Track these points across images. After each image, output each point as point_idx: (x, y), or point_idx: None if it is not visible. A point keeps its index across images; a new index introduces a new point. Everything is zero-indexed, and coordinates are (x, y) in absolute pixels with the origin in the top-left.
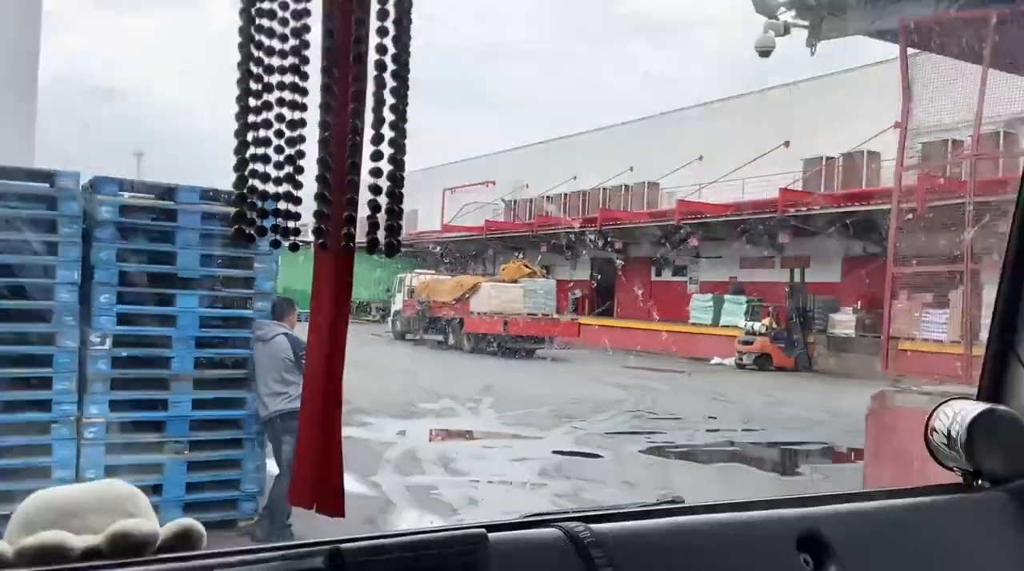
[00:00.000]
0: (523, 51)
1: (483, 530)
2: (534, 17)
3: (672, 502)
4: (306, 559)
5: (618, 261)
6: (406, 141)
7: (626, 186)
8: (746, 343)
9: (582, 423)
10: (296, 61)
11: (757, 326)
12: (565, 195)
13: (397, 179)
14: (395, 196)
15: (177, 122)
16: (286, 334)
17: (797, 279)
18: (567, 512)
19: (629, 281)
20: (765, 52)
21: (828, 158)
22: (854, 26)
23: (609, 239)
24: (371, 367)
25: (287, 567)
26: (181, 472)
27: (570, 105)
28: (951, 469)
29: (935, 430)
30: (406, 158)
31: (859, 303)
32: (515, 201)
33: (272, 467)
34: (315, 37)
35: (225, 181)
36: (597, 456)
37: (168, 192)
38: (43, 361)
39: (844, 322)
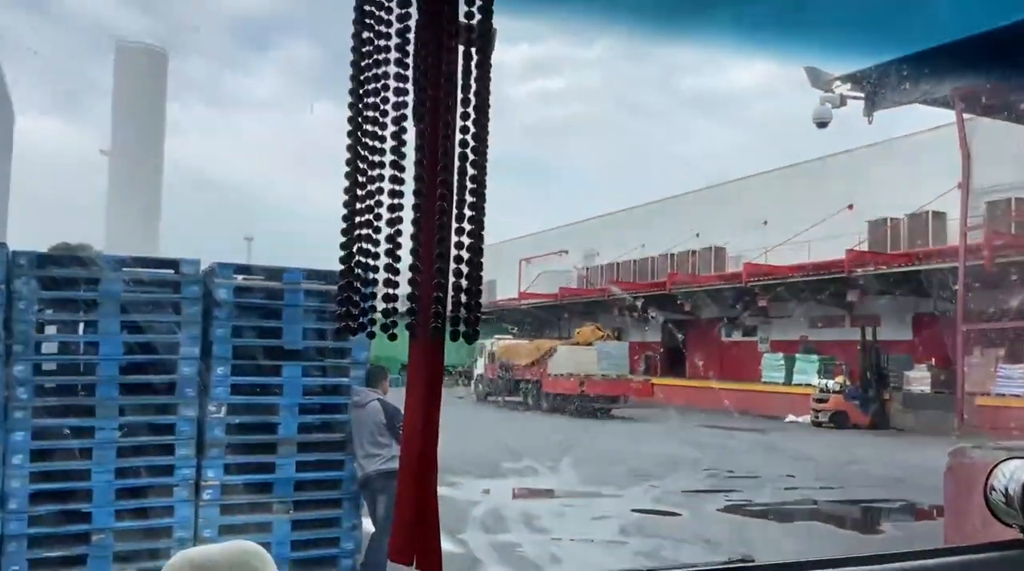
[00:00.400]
0: (589, 128)
1: None
2: (598, 96)
3: (742, 561)
4: None
5: (688, 323)
6: (483, 235)
7: (693, 251)
8: (821, 401)
9: (659, 481)
10: (395, 157)
11: (831, 384)
12: (634, 261)
13: (476, 276)
14: (473, 290)
15: (280, 210)
16: (379, 400)
17: (869, 337)
18: (648, 569)
19: (700, 342)
20: (822, 123)
21: (893, 219)
22: (908, 96)
23: (679, 302)
24: (456, 429)
25: None
26: (287, 531)
27: (636, 177)
28: (1010, 526)
29: (994, 488)
30: (483, 253)
31: (932, 360)
32: (587, 268)
33: (368, 525)
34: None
35: (323, 261)
36: (676, 515)
37: (276, 273)
38: (167, 429)
39: (919, 379)
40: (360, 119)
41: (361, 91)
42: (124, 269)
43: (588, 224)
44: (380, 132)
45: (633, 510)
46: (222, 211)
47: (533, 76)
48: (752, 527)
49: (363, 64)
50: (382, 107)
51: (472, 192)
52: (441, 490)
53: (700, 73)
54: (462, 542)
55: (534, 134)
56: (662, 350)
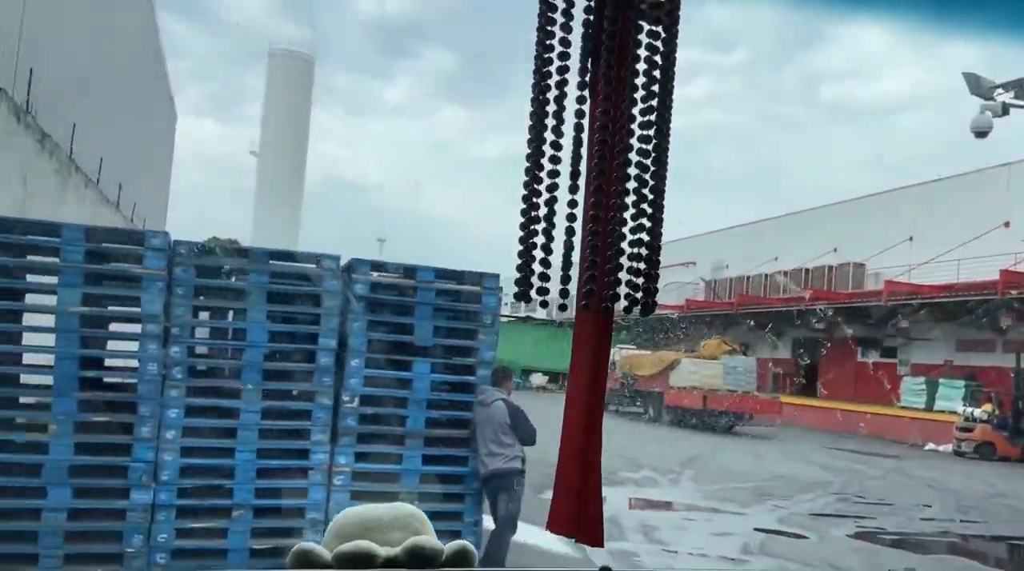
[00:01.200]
0: (723, 135)
1: None
2: (733, 103)
3: None
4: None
5: (822, 341)
6: (663, 214)
7: (829, 267)
8: (965, 430)
9: (785, 502)
10: (573, 148)
11: (978, 412)
12: (766, 275)
13: (654, 247)
14: (652, 261)
15: (411, 212)
16: (504, 400)
17: None
18: None
19: (834, 361)
20: (981, 133)
21: None
22: None
23: (812, 319)
24: None
25: None
26: None
27: (770, 188)
28: None
29: None
30: (662, 227)
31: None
32: (715, 281)
33: (488, 522)
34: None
35: (450, 261)
36: (802, 537)
37: (409, 271)
38: (304, 415)
39: None
40: (542, 97)
41: (543, 70)
42: (271, 262)
43: (718, 235)
44: (560, 110)
45: (756, 529)
46: (357, 212)
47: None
48: (884, 556)
49: (547, 43)
50: (564, 88)
51: (652, 167)
52: None
53: (842, 80)
54: (580, 547)
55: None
56: (793, 368)
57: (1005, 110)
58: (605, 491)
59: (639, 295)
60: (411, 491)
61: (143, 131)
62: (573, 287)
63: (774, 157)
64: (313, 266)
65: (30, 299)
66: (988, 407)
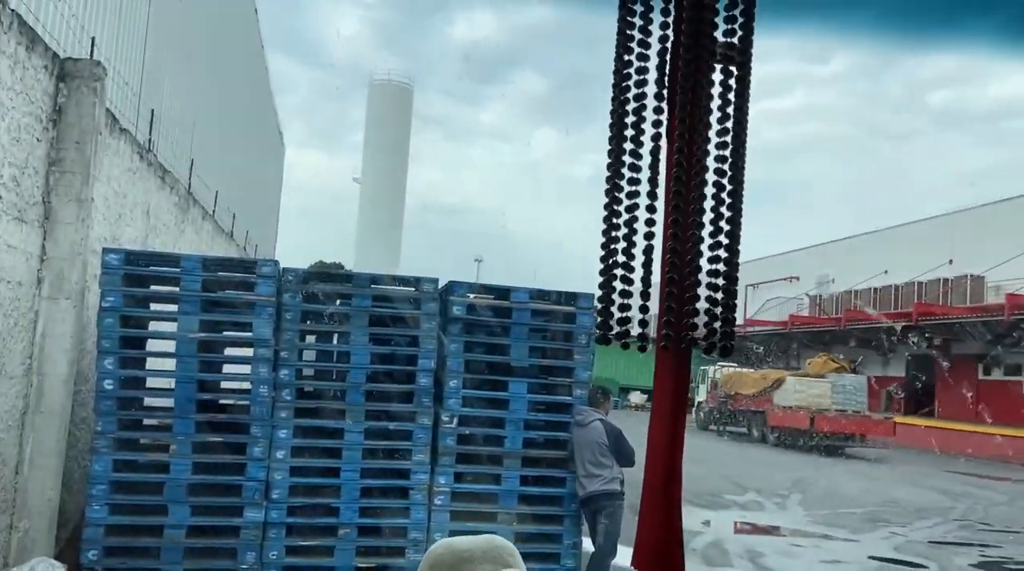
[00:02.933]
0: (824, 147)
1: None
2: (832, 114)
3: None
4: None
5: (937, 358)
6: (739, 252)
7: (944, 280)
8: None
9: (901, 529)
10: (652, 174)
11: None
12: (875, 289)
13: (731, 290)
14: (729, 305)
15: (504, 233)
16: (601, 420)
17: None
18: None
19: (953, 379)
20: None
21: None
22: None
23: (927, 335)
24: None
25: None
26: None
27: (877, 199)
28: None
29: None
30: (738, 270)
31: None
32: (820, 296)
33: (587, 544)
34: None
35: (544, 282)
36: (920, 567)
37: (505, 293)
38: (406, 435)
39: None
40: (619, 139)
41: (620, 111)
42: (372, 285)
43: (822, 248)
44: (638, 150)
45: (870, 557)
46: (455, 233)
47: (760, 96)
48: None
49: (623, 85)
50: (640, 127)
51: (728, 210)
52: None
53: (952, 85)
54: None
55: (761, 155)
56: (907, 386)
57: None
58: (709, 514)
59: (716, 338)
60: (509, 512)
61: (255, 164)
62: (650, 327)
63: (879, 167)
64: (412, 289)
65: (152, 326)
66: None
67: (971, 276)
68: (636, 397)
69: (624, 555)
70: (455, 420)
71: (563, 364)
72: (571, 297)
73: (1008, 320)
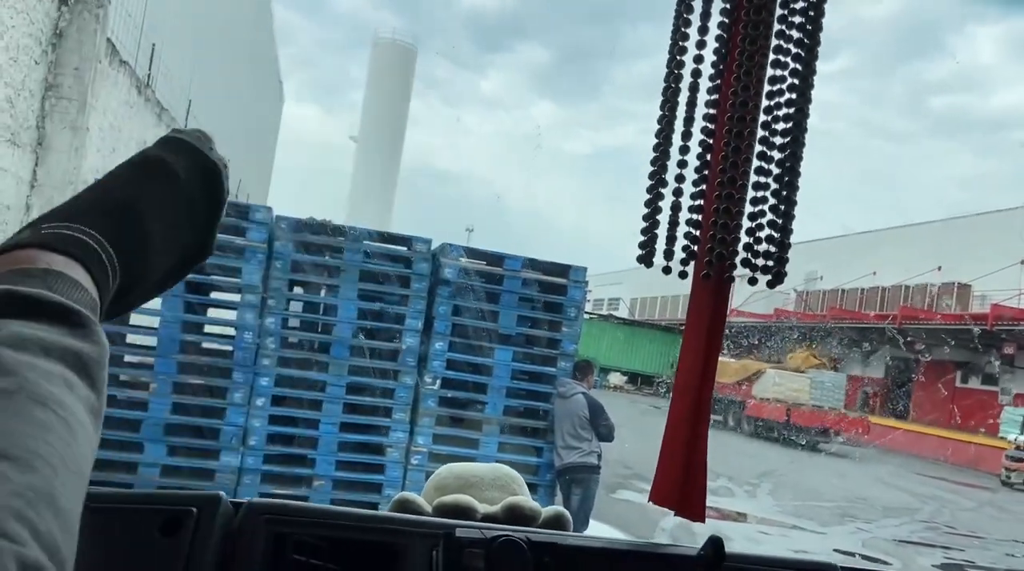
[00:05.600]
0: (821, 144)
1: (835, 563)
2: (832, 111)
3: None
4: (681, 549)
5: (917, 362)
6: (797, 185)
7: (931, 286)
8: (1016, 459)
9: (868, 525)
10: (710, 108)
11: None
12: (862, 290)
13: (788, 215)
14: (785, 230)
15: (498, 203)
16: (584, 393)
17: None
18: None
19: (929, 384)
20: None
21: None
22: None
23: (909, 338)
24: (651, 438)
25: (659, 552)
26: None
27: (870, 201)
28: None
29: None
30: (795, 203)
31: None
32: (807, 292)
33: None
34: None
35: (537, 253)
36: (885, 563)
37: (497, 259)
38: (388, 393)
39: None
40: (676, 66)
41: (679, 41)
42: (365, 242)
43: (812, 245)
44: (694, 80)
45: (836, 550)
46: (448, 200)
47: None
48: None
49: (684, 17)
50: (698, 53)
51: (785, 142)
52: (632, 495)
53: (952, 91)
54: None
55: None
56: (885, 387)
57: None
58: None
59: (770, 263)
60: None
61: (252, 111)
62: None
63: (875, 168)
64: (405, 249)
65: None
66: None
67: (958, 284)
68: (616, 378)
69: (595, 528)
70: (438, 382)
71: (550, 335)
72: (563, 269)
73: (991, 329)
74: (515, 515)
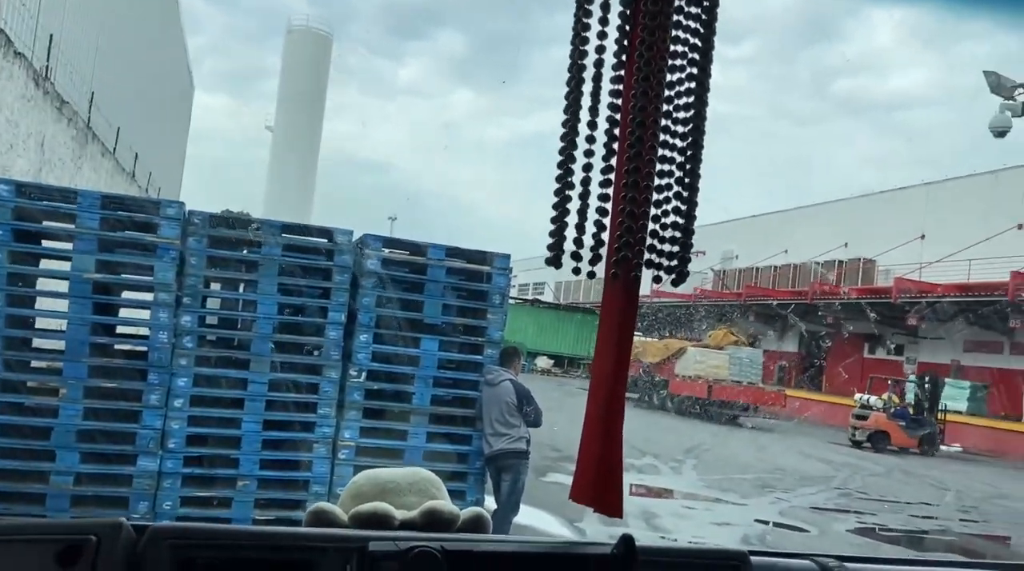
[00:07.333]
0: (731, 127)
1: (745, 551)
2: (742, 95)
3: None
4: (595, 547)
5: (829, 336)
6: (698, 185)
7: (840, 262)
8: (860, 418)
9: (786, 494)
10: (613, 99)
11: (873, 400)
12: (775, 268)
13: (690, 216)
14: (686, 230)
15: (419, 192)
16: (511, 380)
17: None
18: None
19: (840, 356)
20: (1000, 132)
21: None
22: None
23: (819, 313)
24: (580, 420)
25: (573, 552)
26: None
27: (780, 181)
28: None
29: None
30: (696, 203)
31: None
32: (724, 271)
33: (490, 502)
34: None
35: (460, 242)
36: (802, 530)
37: (419, 249)
38: (312, 388)
39: None
40: (577, 63)
41: (579, 37)
42: (283, 235)
43: (727, 226)
44: (598, 76)
45: (756, 520)
46: (369, 190)
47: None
48: (882, 551)
49: (584, 22)
50: (598, 56)
51: (686, 142)
52: (561, 477)
53: (856, 74)
54: (580, 530)
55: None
56: (799, 361)
57: None
58: None
59: (674, 263)
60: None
61: (160, 102)
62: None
63: (784, 150)
64: (325, 241)
65: (45, 264)
66: (886, 396)
67: (864, 259)
68: (543, 361)
69: (526, 514)
70: (363, 375)
71: (476, 323)
72: (487, 256)
73: (895, 302)
74: (433, 520)
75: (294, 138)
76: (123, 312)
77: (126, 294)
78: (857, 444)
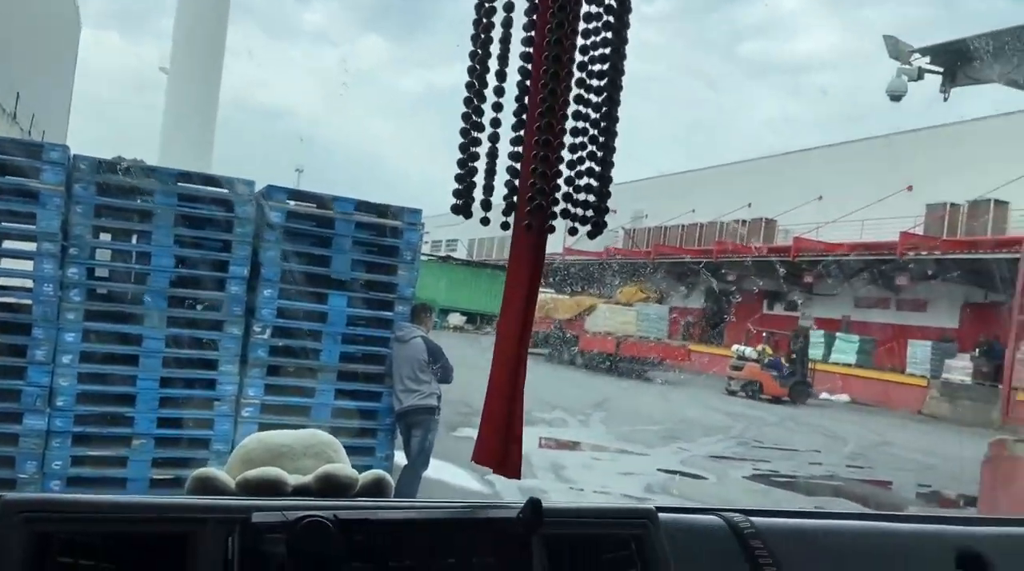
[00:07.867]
0: (642, 86)
1: (653, 507)
2: (653, 54)
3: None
4: (501, 510)
5: (731, 293)
6: (615, 134)
7: (743, 221)
8: (736, 368)
9: (688, 444)
10: (526, 48)
11: (748, 351)
12: (683, 227)
13: (607, 163)
14: (604, 180)
15: (328, 143)
16: (423, 337)
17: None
18: (731, 507)
19: (741, 312)
20: (896, 96)
21: (952, 205)
22: (989, 74)
23: (723, 271)
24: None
25: (477, 516)
26: None
27: (689, 142)
28: None
29: None
30: (613, 151)
31: (976, 350)
32: (634, 230)
33: (400, 458)
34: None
35: (371, 196)
36: (702, 478)
37: (327, 202)
38: (212, 345)
39: (960, 368)
40: (486, 6)
41: None
42: (180, 184)
43: (637, 185)
44: (508, 15)
45: (659, 469)
46: (274, 139)
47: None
48: (776, 497)
49: None
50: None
51: (602, 84)
52: (471, 432)
53: (765, 36)
54: (490, 483)
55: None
56: (703, 317)
57: (921, 74)
58: None
59: (589, 213)
60: (322, 425)
61: (43, 38)
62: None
63: (694, 110)
64: (225, 191)
65: None
66: (760, 347)
67: (765, 219)
68: (455, 318)
69: (436, 468)
70: (268, 331)
71: (386, 279)
72: (398, 211)
73: (793, 260)
74: (330, 485)
75: (191, 80)
76: (4, 262)
77: (7, 244)
78: (732, 393)
